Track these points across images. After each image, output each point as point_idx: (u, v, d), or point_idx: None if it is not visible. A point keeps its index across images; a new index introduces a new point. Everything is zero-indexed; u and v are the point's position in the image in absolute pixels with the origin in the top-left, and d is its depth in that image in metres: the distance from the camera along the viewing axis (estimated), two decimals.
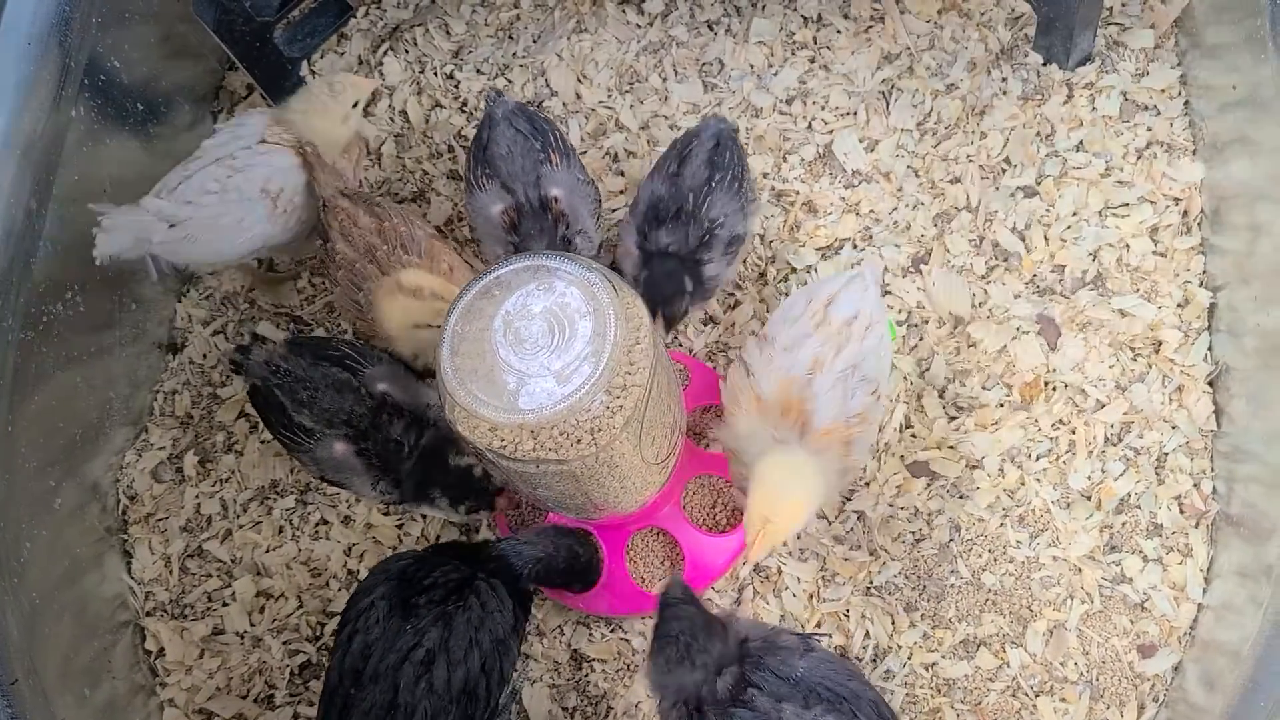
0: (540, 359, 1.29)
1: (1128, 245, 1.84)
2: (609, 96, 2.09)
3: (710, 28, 2.13)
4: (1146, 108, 1.93)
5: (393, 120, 2.14)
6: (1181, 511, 1.70)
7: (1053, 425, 1.75)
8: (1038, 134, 1.93)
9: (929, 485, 1.74)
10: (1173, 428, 1.73)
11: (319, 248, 1.80)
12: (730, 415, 1.52)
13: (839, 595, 1.70)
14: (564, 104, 2.10)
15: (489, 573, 1.45)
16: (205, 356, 2.01)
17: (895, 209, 1.93)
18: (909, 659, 1.65)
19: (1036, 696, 1.62)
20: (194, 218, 1.72)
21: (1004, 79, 1.98)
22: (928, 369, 1.81)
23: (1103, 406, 1.75)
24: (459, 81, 2.14)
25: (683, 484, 1.74)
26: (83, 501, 1.80)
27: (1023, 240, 1.87)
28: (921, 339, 1.83)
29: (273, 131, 1.80)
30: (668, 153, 1.77)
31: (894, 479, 1.75)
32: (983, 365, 1.80)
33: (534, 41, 2.17)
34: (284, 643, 1.78)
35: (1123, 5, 1.99)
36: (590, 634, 1.73)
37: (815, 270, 1.89)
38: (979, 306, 1.84)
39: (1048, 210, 1.88)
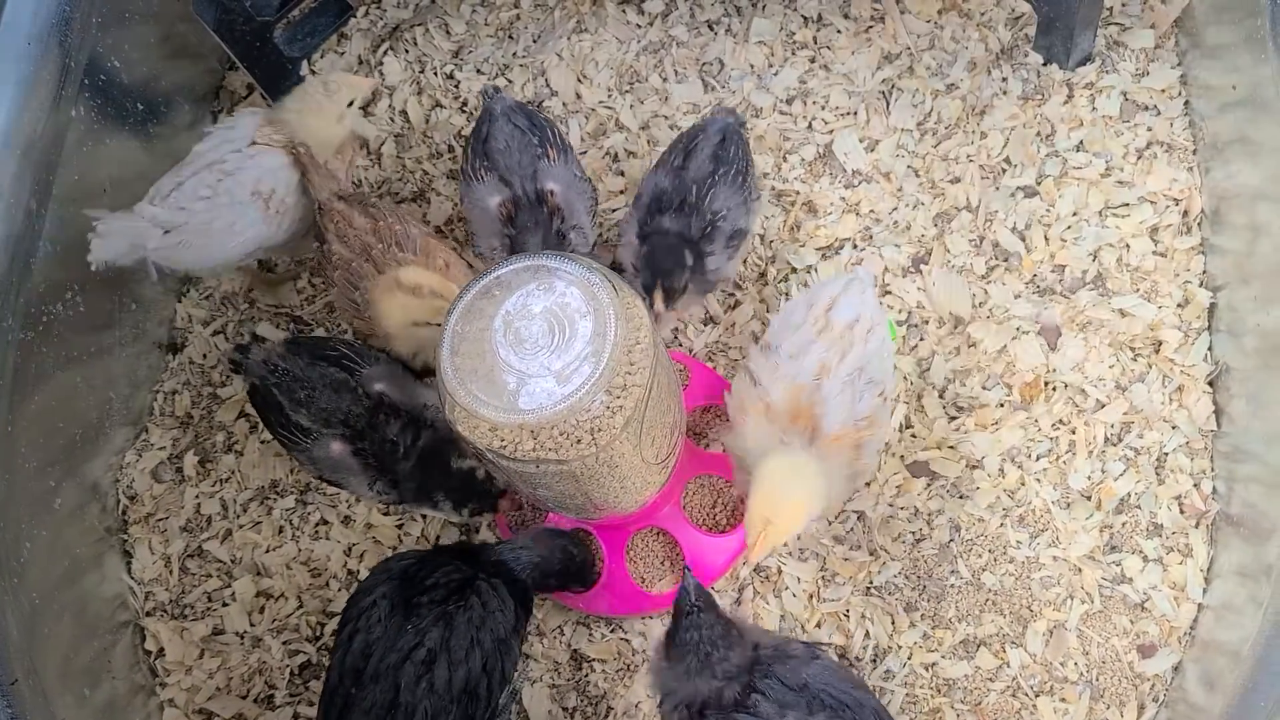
0: (540, 359, 1.29)
1: (1128, 245, 1.84)
2: (609, 96, 2.09)
3: (710, 28, 2.13)
4: (1147, 108, 1.93)
5: (393, 120, 2.14)
6: (1182, 511, 1.70)
7: (1053, 425, 1.75)
8: (1038, 134, 1.93)
9: (929, 485, 1.74)
10: (1173, 428, 1.73)
11: (316, 249, 1.80)
12: (738, 424, 1.52)
13: (839, 595, 1.70)
14: (564, 104, 2.09)
15: (490, 573, 1.45)
16: (205, 356, 2.01)
17: (895, 209, 1.93)
18: (909, 659, 1.65)
19: (1036, 696, 1.62)
20: (188, 223, 1.72)
21: (1004, 79, 1.98)
22: (928, 369, 1.81)
23: (1103, 406, 1.75)
24: (459, 81, 2.14)
25: (683, 484, 1.74)
26: (83, 501, 1.80)
27: (1023, 240, 1.87)
28: (922, 339, 1.83)
29: (263, 133, 1.80)
30: (672, 146, 1.77)
31: (894, 479, 1.75)
32: (983, 365, 1.80)
33: (534, 41, 2.17)
34: (284, 643, 1.78)
35: (1123, 5, 1.99)
36: (590, 634, 1.73)
37: (815, 270, 1.89)
38: (979, 306, 1.84)
39: (1048, 210, 1.88)
